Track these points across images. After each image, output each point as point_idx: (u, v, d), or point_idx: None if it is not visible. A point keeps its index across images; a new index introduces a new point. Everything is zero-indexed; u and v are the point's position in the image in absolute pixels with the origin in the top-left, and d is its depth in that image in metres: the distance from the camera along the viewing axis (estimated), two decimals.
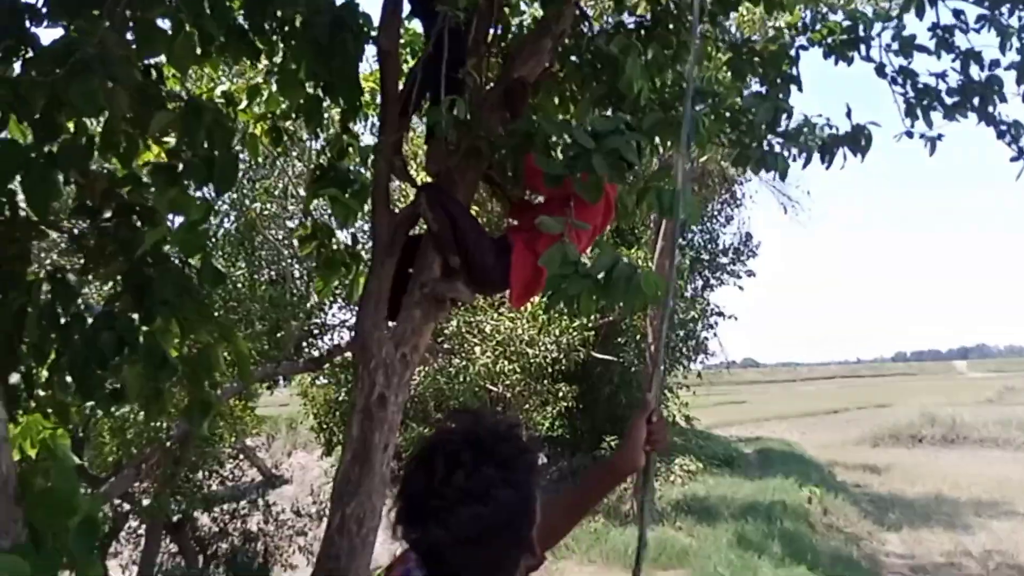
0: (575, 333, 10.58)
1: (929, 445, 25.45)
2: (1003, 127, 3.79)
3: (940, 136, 3.78)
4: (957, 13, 3.73)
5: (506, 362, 10.13)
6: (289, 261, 9.61)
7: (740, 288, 18.40)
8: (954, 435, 26.26)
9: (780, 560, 8.66)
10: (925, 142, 3.81)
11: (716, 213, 17.08)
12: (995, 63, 3.72)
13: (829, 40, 3.81)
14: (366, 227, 8.83)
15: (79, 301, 2.91)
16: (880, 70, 3.85)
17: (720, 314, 16.78)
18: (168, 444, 7.01)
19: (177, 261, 2.88)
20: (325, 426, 12.08)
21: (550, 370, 10.81)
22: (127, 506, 8.88)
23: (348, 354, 8.78)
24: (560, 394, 11.19)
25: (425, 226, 3.04)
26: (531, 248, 2.90)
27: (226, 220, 9.70)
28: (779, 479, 14.63)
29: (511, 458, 1.22)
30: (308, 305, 9.46)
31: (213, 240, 9.07)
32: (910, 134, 3.82)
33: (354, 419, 2.91)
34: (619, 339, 13.46)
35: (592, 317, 11.11)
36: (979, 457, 22.10)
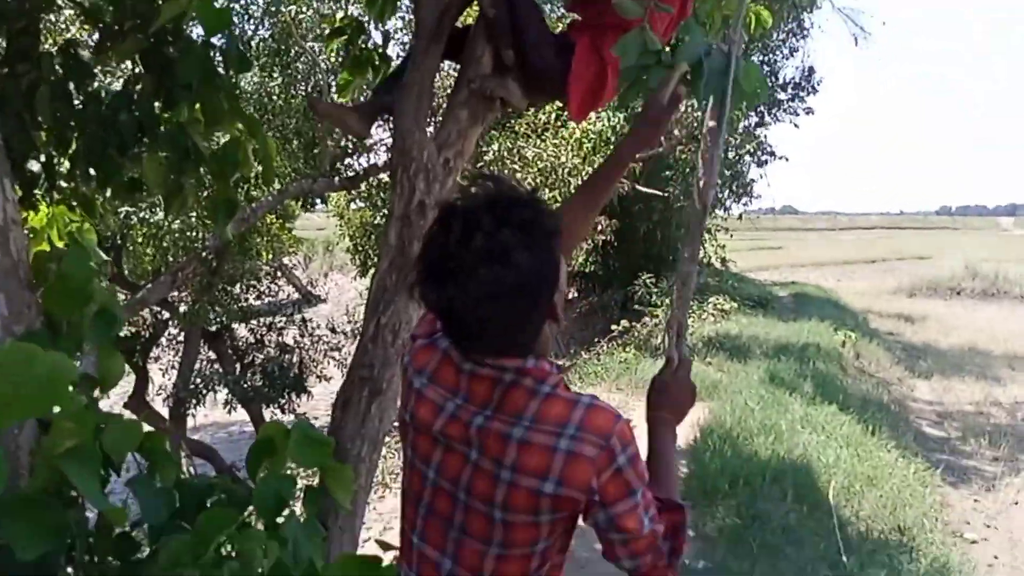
0: None
1: (968, 298, 25.18)
2: None
3: None
4: None
5: (547, 190, 9.81)
6: (326, 75, 9.18)
7: (796, 126, 17.67)
8: (995, 290, 25.91)
9: (811, 399, 8.65)
10: None
11: (780, 44, 15.94)
12: None
13: None
14: (402, 36, 8.36)
15: (95, 82, 2.66)
16: None
17: (772, 154, 16.14)
18: (204, 254, 6.96)
19: (200, 43, 2.58)
20: (360, 248, 12.06)
21: None
22: (166, 314, 9.07)
23: (385, 175, 8.54)
24: (598, 228, 10.92)
25: (477, 13, 2.66)
26: (596, 48, 2.53)
27: (260, 28, 9.24)
28: (813, 322, 14.53)
29: (530, 222, 1.18)
30: None
31: (249, 48, 8.66)
32: None
33: (391, 226, 2.69)
34: (667, 172, 12.94)
35: None
36: (1018, 313, 21.82)
